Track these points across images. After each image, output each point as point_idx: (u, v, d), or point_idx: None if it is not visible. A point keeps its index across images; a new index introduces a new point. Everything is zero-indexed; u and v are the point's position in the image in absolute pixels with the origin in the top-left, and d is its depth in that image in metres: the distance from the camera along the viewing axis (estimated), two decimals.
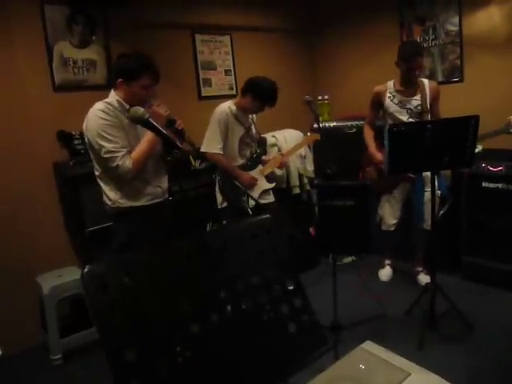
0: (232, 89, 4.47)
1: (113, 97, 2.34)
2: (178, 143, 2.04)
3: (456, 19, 3.99)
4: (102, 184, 2.43)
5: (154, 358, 1.06)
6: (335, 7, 4.88)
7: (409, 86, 3.27)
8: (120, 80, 2.32)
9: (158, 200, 2.51)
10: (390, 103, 3.33)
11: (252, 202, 3.11)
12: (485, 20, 3.82)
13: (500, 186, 3.34)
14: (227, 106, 3.13)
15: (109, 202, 2.42)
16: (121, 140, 2.27)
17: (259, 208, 3.15)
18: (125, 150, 2.27)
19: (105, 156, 2.25)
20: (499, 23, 3.73)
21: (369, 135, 3.50)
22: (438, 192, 3.37)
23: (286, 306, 1.32)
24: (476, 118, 2.53)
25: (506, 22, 3.69)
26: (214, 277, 1.28)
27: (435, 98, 3.29)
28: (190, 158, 2.88)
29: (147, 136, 2.31)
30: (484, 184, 3.43)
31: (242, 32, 4.51)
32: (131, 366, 1.02)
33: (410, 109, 3.29)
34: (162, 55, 3.92)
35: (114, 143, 2.25)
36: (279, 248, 1.40)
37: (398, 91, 3.32)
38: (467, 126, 2.54)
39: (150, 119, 2.04)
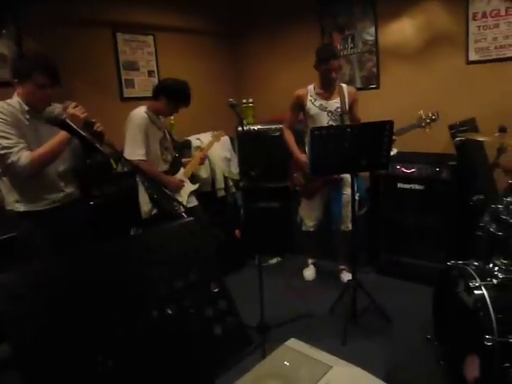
0: None
1: (15, 97, 2.27)
2: (97, 145, 1.97)
3: (372, 30, 4.22)
4: (1, 186, 2.33)
5: (71, 371, 1.00)
6: (260, 12, 4.96)
7: (328, 88, 3.38)
8: (15, 80, 2.26)
9: (57, 204, 2.41)
10: (312, 106, 3.42)
11: (182, 207, 3.08)
12: (398, 32, 4.08)
13: (413, 186, 3.57)
14: (143, 111, 3.05)
15: (8, 206, 2.32)
16: (15, 137, 2.18)
17: (190, 213, 3.12)
18: (20, 145, 2.17)
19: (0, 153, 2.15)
20: (411, 35, 4.00)
21: (290, 139, 3.55)
22: (357, 194, 3.53)
23: (210, 309, 1.31)
24: (391, 123, 2.69)
25: (417, 35, 3.96)
26: (138, 282, 1.24)
27: (354, 102, 3.44)
28: (111, 161, 2.78)
29: (58, 136, 2.21)
30: (399, 185, 3.64)
31: (166, 33, 4.45)
32: (47, 382, 0.96)
33: (331, 111, 3.40)
34: (82, 54, 3.78)
35: (7, 139, 2.15)
36: (203, 251, 1.39)
37: (318, 94, 3.42)
38: (383, 130, 2.69)
39: (66, 120, 1.95)
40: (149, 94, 4.22)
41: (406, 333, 2.90)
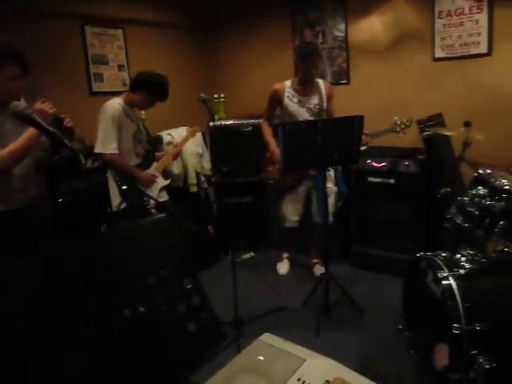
0: (126, 85, 4.29)
1: None
2: (66, 141, 1.92)
3: (342, 26, 4.26)
4: None
5: (37, 373, 0.98)
6: (232, 7, 4.95)
7: (307, 85, 3.40)
8: None
9: (18, 206, 2.32)
10: (290, 102, 3.43)
11: (153, 202, 3.06)
12: (367, 28, 4.13)
13: (383, 180, 3.64)
14: (116, 102, 2.99)
15: None
16: None
17: (160, 207, 3.09)
18: None
19: None
20: (380, 32, 4.06)
21: (267, 132, 3.55)
22: (335, 188, 3.57)
23: (184, 305, 1.31)
24: (361, 118, 2.72)
25: (386, 32, 4.02)
26: (108, 279, 1.23)
27: (330, 97, 3.47)
28: (81, 156, 2.72)
29: (27, 133, 2.13)
30: (369, 179, 3.70)
31: (136, 26, 4.38)
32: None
33: (309, 108, 3.41)
34: (49, 47, 3.68)
35: None
36: (176, 247, 1.38)
37: (296, 90, 3.43)
38: (353, 125, 2.72)
39: (33, 115, 1.89)
40: (118, 88, 4.20)
41: (378, 324, 2.96)
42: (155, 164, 3.28)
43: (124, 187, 2.99)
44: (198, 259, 3.01)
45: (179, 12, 4.80)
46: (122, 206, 3.07)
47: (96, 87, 4.11)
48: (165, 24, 4.67)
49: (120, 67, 4.31)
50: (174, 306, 1.30)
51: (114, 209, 3.09)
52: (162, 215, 1.43)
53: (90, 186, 3.43)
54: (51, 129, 1.92)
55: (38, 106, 2.10)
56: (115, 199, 3.07)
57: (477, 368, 1.88)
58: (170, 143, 3.98)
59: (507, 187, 2.14)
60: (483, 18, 3.51)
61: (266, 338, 1.46)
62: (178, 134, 4.09)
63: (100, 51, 4.13)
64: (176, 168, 3.96)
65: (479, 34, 3.56)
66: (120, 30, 4.27)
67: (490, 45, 3.52)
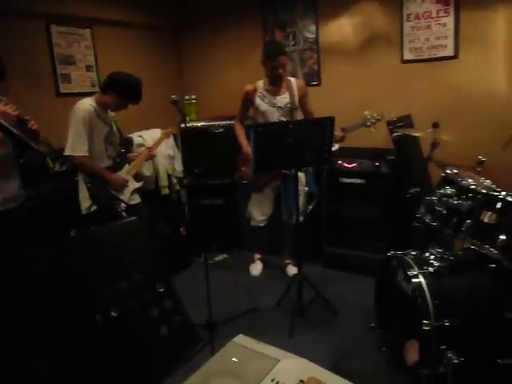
0: (94, 86, 4.23)
1: None
2: (31, 143, 1.87)
3: (313, 27, 4.30)
4: None
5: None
6: (202, 8, 4.92)
7: (276, 84, 3.40)
8: None
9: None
10: (261, 102, 3.43)
11: (124, 205, 3.01)
12: (338, 30, 4.18)
13: (354, 180, 3.68)
14: (88, 103, 2.94)
15: None
16: None
17: (132, 210, 3.05)
18: None
19: None
20: (350, 34, 4.11)
21: (240, 133, 3.56)
22: (306, 188, 3.59)
23: (156, 309, 1.29)
24: (332, 119, 2.75)
25: (356, 34, 4.08)
26: (79, 285, 1.20)
27: (303, 95, 3.47)
28: (48, 160, 2.66)
29: None
30: (341, 179, 3.74)
31: (104, 26, 4.30)
32: None
33: (280, 107, 3.41)
34: (13, 47, 3.57)
35: None
36: (147, 250, 1.37)
37: (267, 90, 3.43)
38: (324, 126, 2.75)
39: None
40: (87, 89, 4.12)
41: (351, 323, 2.99)
42: (127, 166, 3.23)
43: (95, 192, 2.95)
44: (170, 262, 2.98)
45: (149, 12, 4.74)
46: (92, 209, 3.01)
47: (63, 88, 4.02)
48: (134, 24, 4.61)
49: (88, 68, 4.23)
50: (146, 310, 1.28)
51: (83, 212, 3.03)
52: (133, 218, 1.41)
53: (58, 190, 3.36)
54: (14, 130, 1.87)
55: (1, 107, 2.04)
56: (85, 202, 3.01)
57: (446, 363, 1.93)
58: (140, 145, 3.93)
59: (473, 187, 2.20)
60: (450, 21, 3.60)
61: (240, 339, 1.46)
62: (149, 135, 4.05)
63: (67, 51, 4.03)
64: (147, 170, 3.92)
65: (446, 38, 3.65)
66: (88, 30, 4.19)
67: (457, 48, 3.62)
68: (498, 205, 2.07)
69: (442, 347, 1.97)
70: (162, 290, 1.32)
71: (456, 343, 1.98)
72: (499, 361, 2.03)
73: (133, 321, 1.26)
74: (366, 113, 3.20)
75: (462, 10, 3.54)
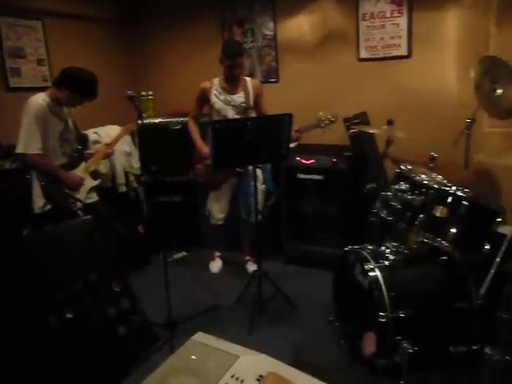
0: (46, 80, 4.08)
1: None
2: None
3: (271, 25, 4.31)
4: None
5: None
6: (160, 3, 4.84)
7: (232, 83, 3.40)
8: None
9: None
10: (216, 100, 3.42)
11: (79, 204, 2.93)
12: (295, 28, 4.21)
13: (312, 176, 3.72)
14: (41, 98, 2.83)
15: None
16: None
17: (89, 209, 2.97)
18: None
19: None
20: (308, 32, 4.15)
21: (194, 130, 3.53)
22: (263, 186, 3.61)
23: (113, 309, 1.27)
24: (289, 116, 2.77)
25: (313, 31, 4.12)
26: (32, 286, 1.16)
27: (258, 95, 3.49)
28: None
29: None
30: (299, 176, 3.78)
31: (56, 18, 4.15)
32: None
33: (235, 106, 3.41)
34: None
35: None
36: (103, 249, 1.34)
37: (223, 88, 3.42)
38: (282, 122, 2.77)
39: None
40: (38, 84, 3.97)
41: (311, 317, 3.03)
42: (84, 164, 3.14)
43: (49, 190, 2.85)
44: (128, 261, 2.93)
45: (104, 6, 4.62)
46: (46, 208, 2.91)
47: (13, 82, 3.85)
48: (89, 17, 4.48)
49: (40, 61, 4.07)
50: (102, 311, 1.25)
51: (37, 211, 2.92)
52: (88, 217, 1.38)
53: (8, 189, 3.23)
54: None
55: None
56: (39, 201, 2.91)
57: (401, 352, 1.99)
58: (96, 142, 3.82)
59: (426, 182, 2.27)
60: (403, 21, 3.70)
61: (199, 337, 1.45)
62: (105, 132, 3.94)
63: (16, 44, 3.87)
64: (103, 167, 3.82)
65: (400, 37, 3.74)
66: (38, 22, 4.03)
67: (410, 47, 3.72)
68: (449, 199, 2.16)
69: (398, 338, 2.03)
70: (118, 289, 1.29)
71: (410, 333, 2.05)
72: (451, 349, 2.12)
73: (89, 322, 1.23)
74: (321, 114, 3.24)
75: (415, 11, 3.65)
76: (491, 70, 2.91)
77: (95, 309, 1.26)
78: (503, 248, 1.91)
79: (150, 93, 4.71)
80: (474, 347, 2.09)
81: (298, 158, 3.75)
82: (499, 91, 2.91)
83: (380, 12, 3.78)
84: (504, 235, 1.95)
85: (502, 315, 1.93)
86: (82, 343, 1.20)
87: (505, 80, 2.88)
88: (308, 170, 3.74)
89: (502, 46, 3.33)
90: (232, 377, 1.25)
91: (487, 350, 1.92)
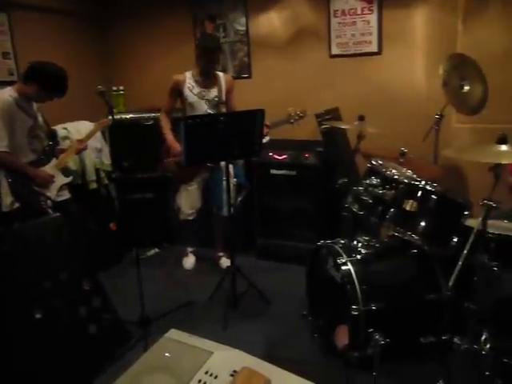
0: (12, 74, 3.95)
1: None
2: None
3: (243, 20, 4.29)
4: None
5: None
6: None
7: (207, 77, 3.37)
8: None
9: None
10: (190, 93, 3.38)
11: (50, 201, 2.86)
12: (268, 24, 4.20)
13: (285, 172, 3.74)
14: (7, 94, 2.74)
15: None
16: None
17: (60, 207, 2.90)
18: None
19: None
20: (280, 28, 4.15)
21: (166, 125, 3.49)
22: (234, 180, 3.60)
23: (84, 308, 1.25)
24: (262, 112, 2.77)
25: (285, 27, 4.13)
26: (0, 286, 1.13)
27: (230, 90, 3.47)
28: None
29: None
30: (272, 171, 3.79)
31: (23, 10, 4.02)
32: None
33: (209, 100, 3.39)
34: None
35: None
36: (73, 247, 1.31)
37: (196, 82, 3.39)
38: (255, 118, 2.77)
39: None
40: (3, 78, 3.85)
41: (284, 312, 3.05)
42: (54, 160, 3.06)
43: (17, 188, 2.78)
44: (100, 258, 2.88)
45: None
46: (14, 206, 2.83)
47: None
48: (58, 10, 4.35)
49: (5, 55, 3.94)
50: (73, 310, 1.23)
51: (5, 209, 2.84)
52: (57, 215, 1.35)
53: None
54: None
55: None
56: (7, 199, 2.82)
57: (373, 344, 2.02)
58: (65, 138, 3.74)
59: (396, 177, 2.31)
60: (374, 19, 3.75)
61: (173, 334, 1.44)
62: (74, 128, 3.85)
63: None
64: (72, 164, 3.73)
65: (370, 34, 3.79)
66: (4, 14, 3.90)
67: (380, 44, 3.77)
68: (419, 193, 2.20)
69: (370, 330, 2.07)
70: (89, 288, 1.27)
71: (382, 325, 2.09)
72: (421, 339, 2.17)
73: (59, 321, 1.21)
74: (290, 109, 3.26)
75: (385, 8, 3.70)
76: (459, 67, 2.98)
77: (65, 308, 1.24)
78: (470, 240, 1.97)
79: (121, 88, 4.63)
80: (444, 337, 2.15)
81: (270, 154, 3.76)
82: (466, 88, 2.99)
83: (351, 9, 3.82)
84: (471, 228, 2.01)
85: (469, 306, 1.99)
86: (52, 343, 1.17)
87: (472, 77, 2.96)
88: (280, 165, 3.75)
89: (469, 44, 3.42)
90: (206, 373, 1.24)
91: (456, 340, 1.98)
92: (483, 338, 1.96)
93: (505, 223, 2.27)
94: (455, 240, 2.15)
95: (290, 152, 3.72)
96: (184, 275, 3.75)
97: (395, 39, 3.72)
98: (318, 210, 3.68)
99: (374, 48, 3.80)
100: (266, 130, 3.17)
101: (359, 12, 3.79)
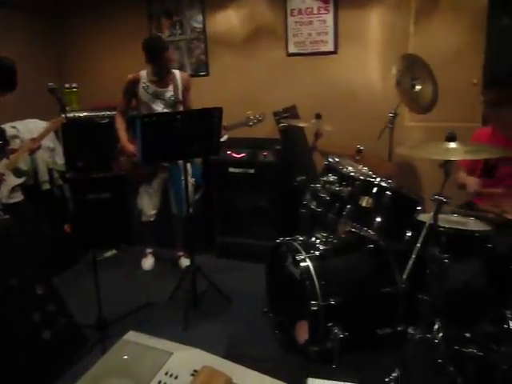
0: None
1: None
2: None
3: (200, 17, 4.26)
4: None
5: None
6: None
7: (161, 77, 3.34)
8: None
9: None
10: (144, 93, 3.34)
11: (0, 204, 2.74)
12: (225, 21, 4.20)
13: (243, 170, 3.75)
14: None
15: None
16: None
17: (12, 209, 2.78)
18: None
19: None
20: (237, 26, 4.16)
21: (121, 126, 3.43)
22: (193, 179, 3.58)
23: (37, 313, 1.20)
24: (219, 110, 2.77)
25: (243, 25, 4.13)
26: None
27: (187, 88, 3.45)
28: None
29: None
30: (230, 169, 3.79)
31: None
32: None
33: (164, 99, 3.36)
34: None
35: None
36: (24, 251, 1.26)
37: (151, 81, 3.34)
38: (212, 116, 2.76)
39: None
40: None
41: (245, 310, 3.06)
42: (5, 160, 2.93)
43: None
44: (54, 261, 2.79)
45: None
46: None
47: None
48: (7, 3, 4.17)
49: None
50: (26, 316, 1.19)
51: None
52: (5, 217, 1.30)
53: None
54: None
55: None
56: None
57: (333, 338, 2.06)
58: (15, 137, 3.59)
59: (352, 174, 2.36)
60: (330, 18, 3.81)
61: (131, 336, 1.41)
62: (24, 127, 3.70)
63: None
64: (23, 164, 3.59)
65: (326, 34, 3.85)
66: None
67: (336, 44, 3.84)
68: (374, 190, 2.26)
69: (329, 324, 2.10)
70: (42, 292, 1.23)
71: (341, 319, 2.12)
72: (378, 331, 2.23)
73: (11, 328, 1.16)
74: (249, 113, 3.29)
75: (341, 9, 3.77)
76: (411, 67, 3.08)
77: (18, 314, 1.19)
78: (423, 234, 2.04)
79: (74, 85, 4.49)
80: (399, 328, 2.22)
81: (228, 152, 3.76)
82: (418, 87, 3.09)
83: (307, 8, 3.86)
84: (423, 222, 2.08)
85: (423, 297, 2.06)
86: (5, 350, 1.13)
87: (423, 77, 3.06)
88: (239, 163, 3.76)
89: (421, 45, 3.54)
90: (166, 374, 1.23)
91: (410, 330, 2.05)
92: (436, 327, 2.05)
93: (455, 217, 2.36)
94: (409, 234, 2.22)
95: (249, 150, 3.73)
96: (143, 276, 3.70)
97: (351, 39, 3.80)
98: (276, 208, 3.71)
99: (330, 47, 3.87)
100: (223, 131, 3.17)
101: (315, 11, 3.84)
